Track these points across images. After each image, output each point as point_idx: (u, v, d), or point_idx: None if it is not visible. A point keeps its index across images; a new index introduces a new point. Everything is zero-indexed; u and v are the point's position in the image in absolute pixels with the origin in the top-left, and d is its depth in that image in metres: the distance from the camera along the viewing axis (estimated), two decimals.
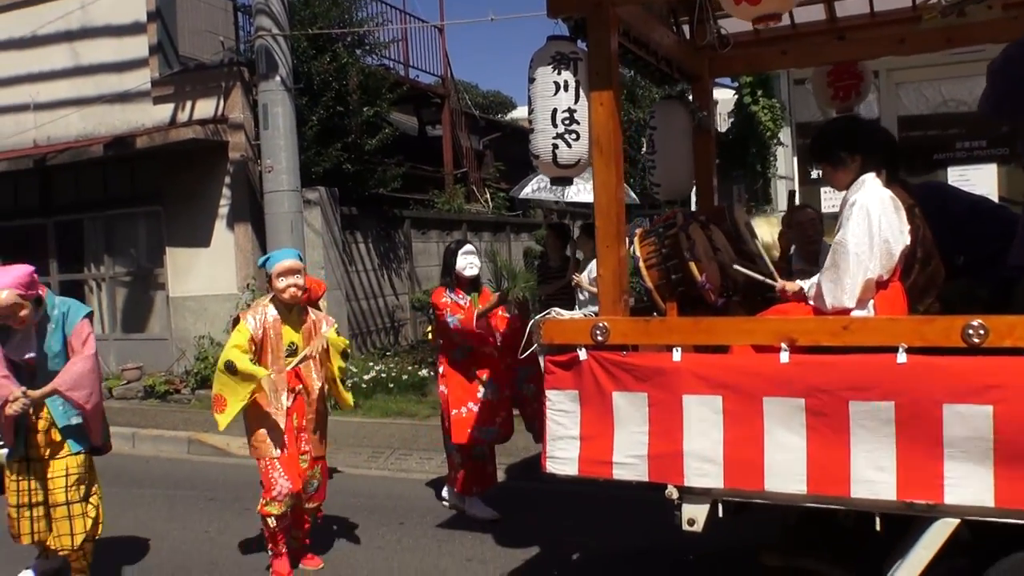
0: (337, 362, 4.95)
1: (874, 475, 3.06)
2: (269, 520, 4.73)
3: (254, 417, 4.72)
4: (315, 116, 10.75)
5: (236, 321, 4.80)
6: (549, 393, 3.69)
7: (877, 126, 6.24)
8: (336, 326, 5.11)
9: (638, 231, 3.88)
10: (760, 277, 3.84)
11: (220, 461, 8.04)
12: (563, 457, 3.66)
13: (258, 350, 4.69)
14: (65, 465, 4.52)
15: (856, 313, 3.39)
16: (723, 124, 10.99)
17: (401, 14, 14.58)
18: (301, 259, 4.91)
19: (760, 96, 9.65)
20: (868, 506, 3.12)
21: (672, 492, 3.46)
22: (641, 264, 3.79)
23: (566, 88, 3.67)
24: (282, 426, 4.71)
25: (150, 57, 11.24)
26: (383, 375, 10.10)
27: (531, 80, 3.74)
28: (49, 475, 4.52)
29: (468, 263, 5.58)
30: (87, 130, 11.60)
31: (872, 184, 3.50)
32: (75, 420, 4.52)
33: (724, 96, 11.49)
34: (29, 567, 4.95)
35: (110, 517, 5.95)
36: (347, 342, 5.12)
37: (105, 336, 11.96)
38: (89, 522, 4.60)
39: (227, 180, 10.94)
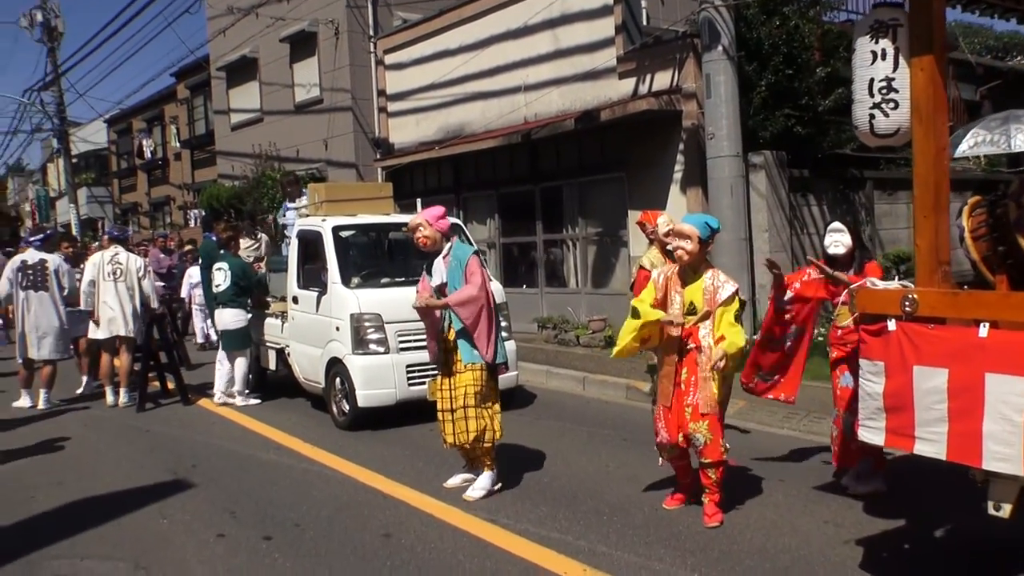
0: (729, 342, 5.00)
1: None
2: (660, 459, 5.45)
3: (658, 369, 5.35)
4: (763, 81, 10.87)
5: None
6: (862, 362, 3.73)
7: None
8: (736, 302, 5.12)
9: (970, 201, 3.67)
10: None
11: (647, 407, 8.75)
12: (872, 426, 3.70)
13: (660, 307, 5.20)
14: (467, 377, 5.63)
15: None
16: None
17: None
18: (712, 228, 5.15)
19: None
20: None
21: (975, 474, 3.34)
22: (967, 235, 3.61)
23: (883, 57, 3.63)
24: (672, 380, 5.18)
25: (616, 36, 12.26)
26: (818, 338, 10.01)
27: (852, 51, 3.76)
28: (455, 385, 5.66)
29: (833, 241, 5.49)
30: (564, 106, 13.01)
31: None
32: (468, 340, 5.59)
33: None
34: (459, 473, 6.10)
35: (538, 442, 7.12)
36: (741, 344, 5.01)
37: (577, 290, 13.43)
38: (482, 424, 5.63)
39: (680, 147, 11.58)
